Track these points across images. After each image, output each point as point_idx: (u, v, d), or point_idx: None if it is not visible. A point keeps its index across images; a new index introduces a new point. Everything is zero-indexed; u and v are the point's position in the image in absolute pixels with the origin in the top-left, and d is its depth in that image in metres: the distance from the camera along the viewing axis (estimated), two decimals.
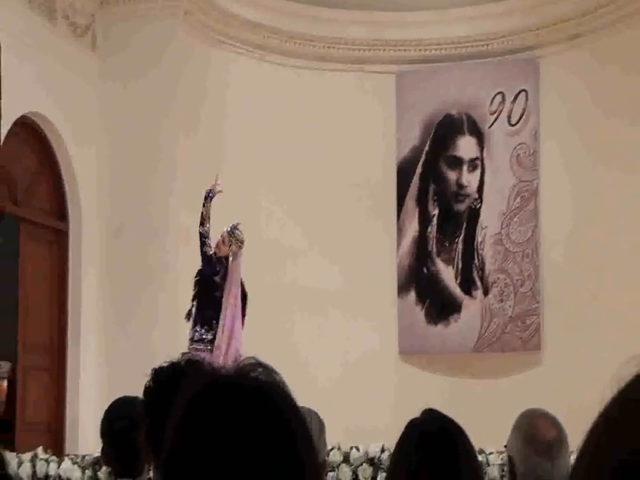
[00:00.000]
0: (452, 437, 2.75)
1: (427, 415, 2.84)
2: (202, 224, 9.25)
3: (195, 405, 1.40)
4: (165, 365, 2.94)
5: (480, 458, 8.02)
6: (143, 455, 2.93)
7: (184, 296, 11.34)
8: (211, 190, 9.38)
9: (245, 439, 1.35)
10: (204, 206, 9.28)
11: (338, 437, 9.21)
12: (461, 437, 2.78)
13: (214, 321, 9.21)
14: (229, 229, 9.31)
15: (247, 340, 9.33)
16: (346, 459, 8.56)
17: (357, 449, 8.65)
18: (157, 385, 2.92)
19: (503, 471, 7.95)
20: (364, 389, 11.96)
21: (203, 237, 9.25)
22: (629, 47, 11.42)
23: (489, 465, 8.35)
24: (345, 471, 8.44)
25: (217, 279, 9.30)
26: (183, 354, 2.89)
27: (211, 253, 9.26)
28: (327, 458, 7.94)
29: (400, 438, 2.84)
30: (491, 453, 8.47)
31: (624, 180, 11.39)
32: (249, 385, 1.42)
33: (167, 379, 2.88)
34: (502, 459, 8.16)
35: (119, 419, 3.64)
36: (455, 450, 2.71)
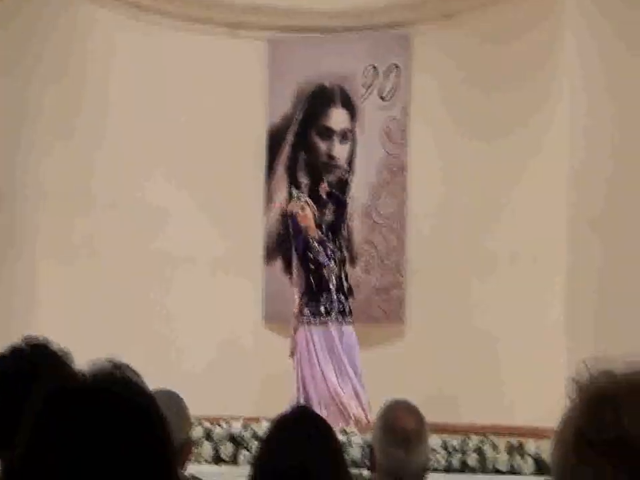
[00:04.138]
0: (322, 440, 2.76)
1: (298, 413, 2.86)
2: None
3: (48, 412, 1.39)
4: (5, 351, 2.72)
5: (342, 438, 7.90)
6: None
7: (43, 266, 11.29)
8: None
9: (100, 445, 1.35)
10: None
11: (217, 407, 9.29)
12: (332, 443, 2.79)
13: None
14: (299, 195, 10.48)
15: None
16: (208, 435, 8.48)
17: (220, 426, 8.60)
18: None
19: (364, 451, 7.89)
20: (231, 365, 11.88)
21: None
22: (497, 22, 11.69)
23: (351, 446, 8.17)
24: (207, 447, 8.36)
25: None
26: (25, 338, 2.79)
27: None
28: (191, 437, 7.93)
29: (269, 434, 2.83)
30: (353, 433, 8.48)
31: (487, 151, 11.64)
32: (102, 391, 1.41)
33: (8, 369, 2.67)
34: (362, 440, 8.12)
35: None
36: (325, 459, 2.72)
